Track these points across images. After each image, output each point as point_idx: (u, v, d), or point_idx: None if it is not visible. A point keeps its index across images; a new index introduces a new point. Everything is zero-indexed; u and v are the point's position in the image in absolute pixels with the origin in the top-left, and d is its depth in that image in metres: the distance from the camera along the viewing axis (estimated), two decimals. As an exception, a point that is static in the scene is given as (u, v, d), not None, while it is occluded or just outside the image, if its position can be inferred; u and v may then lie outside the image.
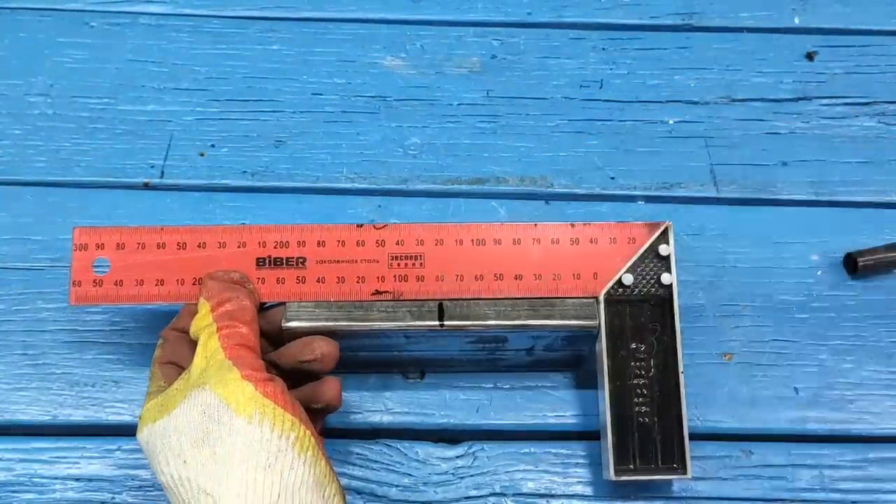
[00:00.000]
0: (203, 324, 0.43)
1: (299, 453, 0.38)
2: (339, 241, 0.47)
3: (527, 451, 0.51)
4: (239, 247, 0.47)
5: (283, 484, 0.37)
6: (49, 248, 0.55)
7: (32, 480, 0.49)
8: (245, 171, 0.59)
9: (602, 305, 0.48)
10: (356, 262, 0.47)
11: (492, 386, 0.53)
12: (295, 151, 0.60)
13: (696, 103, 0.63)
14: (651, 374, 0.48)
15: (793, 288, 0.56)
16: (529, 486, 0.50)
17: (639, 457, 0.47)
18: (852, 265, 0.56)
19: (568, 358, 0.52)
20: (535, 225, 0.48)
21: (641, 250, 0.48)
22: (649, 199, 0.59)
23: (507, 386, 0.53)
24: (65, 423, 0.51)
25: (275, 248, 0.47)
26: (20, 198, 0.57)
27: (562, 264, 0.48)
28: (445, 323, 0.47)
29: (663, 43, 0.65)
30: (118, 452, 0.50)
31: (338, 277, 0.47)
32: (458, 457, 0.51)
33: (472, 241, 0.48)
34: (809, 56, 0.65)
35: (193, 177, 0.59)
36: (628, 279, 0.48)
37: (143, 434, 0.41)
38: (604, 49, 0.65)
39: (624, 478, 0.47)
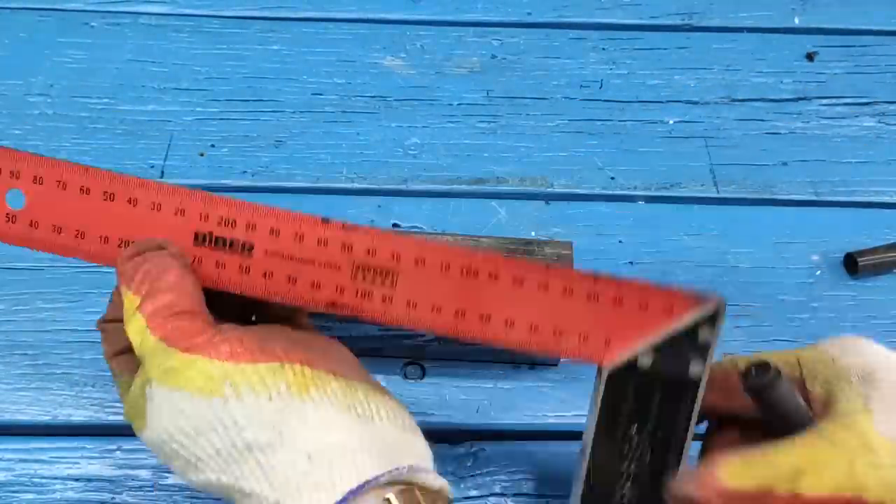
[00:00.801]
0: (129, 310, 0.36)
1: (302, 397, 0.32)
2: (296, 234, 0.39)
3: (527, 451, 0.51)
4: (176, 214, 0.39)
5: (306, 442, 0.31)
6: (49, 248, 0.55)
7: (32, 480, 0.49)
8: (245, 171, 0.59)
9: (603, 381, 0.38)
10: (313, 263, 0.39)
11: (492, 386, 0.53)
12: (295, 151, 0.60)
13: (696, 103, 0.63)
14: (646, 460, 0.40)
15: (793, 288, 0.56)
16: (529, 486, 0.50)
17: None
18: (852, 265, 0.56)
19: None
20: (548, 267, 0.38)
21: (675, 328, 0.37)
22: (649, 200, 0.59)
23: (508, 386, 0.53)
24: (65, 423, 0.51)
25: (219, 224, 0.39)
26: (20, 198, 0.57)
27: (569, 320, 0.38)
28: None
29: (663, 43, 0.65)
30: (118, 452, 0.50)
31: (288, 276, 0.39)
32: (458, 457, 0.51)
33: (462, 269, 0.38)
34: (809, 56, 0.65)
35: (193, 177, 0.59)
36: (646, 361, 0.38)
37: (142, 438, 0.36)
38: (604, 49, 0.65)
39: None
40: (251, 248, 0.39)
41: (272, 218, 0.40)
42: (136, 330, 0.35)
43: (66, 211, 0.40)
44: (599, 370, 0.39)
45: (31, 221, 0.40)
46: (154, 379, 0.33)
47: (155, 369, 0.33)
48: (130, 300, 0.36)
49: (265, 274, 0.39)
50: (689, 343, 0.37)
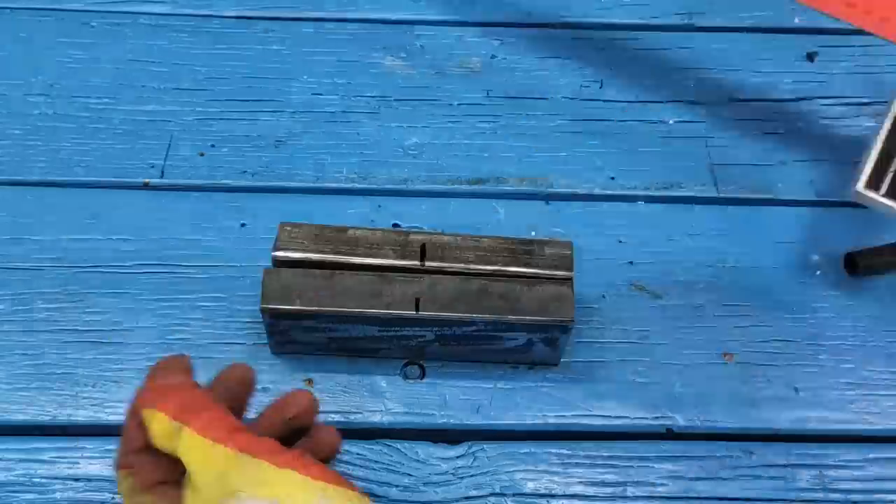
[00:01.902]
0: (165, 431, 0.36)
1: None
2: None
3: (527, 451, 0.51)
4: None
5: None
6: (49, 248, 0.55)
7: (32, 480, 0.49)
8: (245, 171, 0.59)
9: None
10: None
11: (492, 386, 0.53)
12: (295, 151, 0.60)
13: (696, 103, 0.63)
14: None
15: (793, 288, 0.56)
16: (529, 486, 0.50)
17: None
18: (852, 265, 0.56)
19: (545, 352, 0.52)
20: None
21: None
22: (649, 200, 0.59)
23: (508, 386, 0.53)
24: (65, 423, 0.51)
25: None
26: (20, 198, 0.57)
27: None
28: (427, 264, 0.49)
29: (663, 43, 0.65)
30: (118, 452, 0.50)
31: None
32: (458, 457, 0.51)
33: None
34: (809, 56, 0.65)
35: (193, 177, 0.59)
36: None
37: None
38: (604, 49, 0.65)
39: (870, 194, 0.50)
40: None
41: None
42: (193, 446, 0.35)
43: None
44: None
45: None
46: (244, 491, 0.33)
47: (244, 480, 0.34)
48: (161, 420, 0.36)
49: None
50: None
